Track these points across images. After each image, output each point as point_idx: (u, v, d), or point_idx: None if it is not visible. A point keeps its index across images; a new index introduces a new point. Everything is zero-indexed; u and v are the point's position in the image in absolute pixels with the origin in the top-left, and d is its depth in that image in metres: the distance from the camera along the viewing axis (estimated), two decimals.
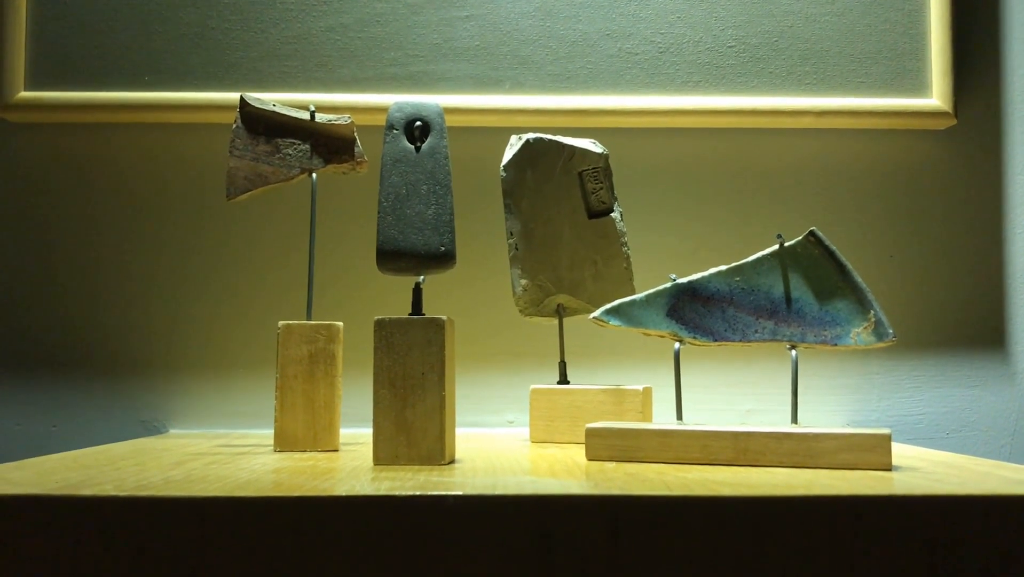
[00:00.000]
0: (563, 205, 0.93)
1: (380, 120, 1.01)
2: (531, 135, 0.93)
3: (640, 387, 0.89)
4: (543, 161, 0.93)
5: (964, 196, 1.13)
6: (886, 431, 0.68)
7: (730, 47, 1.13)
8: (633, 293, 0.89)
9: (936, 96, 1.11)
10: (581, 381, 0.96)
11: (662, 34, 1.13)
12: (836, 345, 0.75)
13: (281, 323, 0.82)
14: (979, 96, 1.14)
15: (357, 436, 0.94)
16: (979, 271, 1.13)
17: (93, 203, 1.11)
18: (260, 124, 0.87)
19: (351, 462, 0.72)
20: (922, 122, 1.12)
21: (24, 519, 0.54)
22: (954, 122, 1.12)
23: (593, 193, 0.93)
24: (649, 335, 0.80)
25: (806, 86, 1.12)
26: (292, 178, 0.87)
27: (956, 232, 1.13)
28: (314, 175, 0.87)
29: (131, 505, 0.54)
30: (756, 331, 0.77)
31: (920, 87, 1.12)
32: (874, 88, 1.12)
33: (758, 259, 0.78)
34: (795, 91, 1.12)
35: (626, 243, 0.93)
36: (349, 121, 0.88)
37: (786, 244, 0.77)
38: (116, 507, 0.54)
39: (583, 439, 0.76)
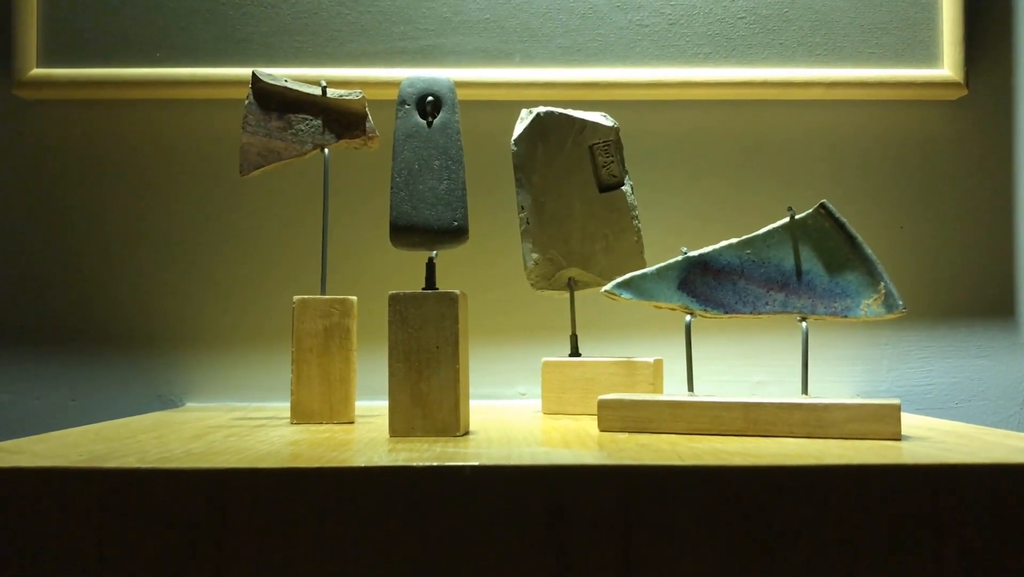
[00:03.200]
0: (574, 179, 0.93)
1: (391, 94, 1.01)
2: (542, 109, 0.94)
3: (651, 359, 0.89)
4: (554, 135, 0.93)
5: (975, 167, 1.13)
6: (895, 401, 0.69)
7: (740, 18, 1.12)
8: (644, 266, 0.89)
9: (947, 66, 1.11)
10: (592, 353, 0.97)
11: (672, 5, 1.12)
12: (846, 317, 0.75)
13: (296, 298, 0.83)
14: (990, 66, 1.14)
15: (371, 408, 0.96)
16: (989, 242, 1.13)
17: (106, 179, 1.12)
18: (272, 100, 0.87)
19: (367, 434, 0.73)
20: (933, 93, 1.11)
21: (51, 491, 0.55)
22: (965, 92, 1.11)
23: (604, 167, 0.93)
24: (660, 308, 0.80)
25: (816, 57, 1.12)
26: (305, 153, 0.88)
27: (967, 203, 1.13)
28: (326, 150, 0.88)
29: (155, 477, 0.55)
30: (767, 303, 0.77)
31: (931, 57, 1.12)
32: (885, 59, 1.12)
33: (769, 232, 0.78)
34: (805, 62, 1.12)
35: (637, 216, 0.93)
36: (360, 96, 0.88)
37: (797, 216, 0.77)
38: (140, 479, 0.55)
39: (594, 410, 0.77)
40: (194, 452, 0.62)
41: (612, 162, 0.93)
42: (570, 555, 0.55)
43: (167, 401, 1.10)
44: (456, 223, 0.76)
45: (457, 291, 0.72)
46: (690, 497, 0.55)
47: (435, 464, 0.56)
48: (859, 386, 1.12)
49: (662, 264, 0.80)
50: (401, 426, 0.72)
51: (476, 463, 0.56)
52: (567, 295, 0.96)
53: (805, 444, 0.65)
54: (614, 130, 0.93)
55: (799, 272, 0.77)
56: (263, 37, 1.11)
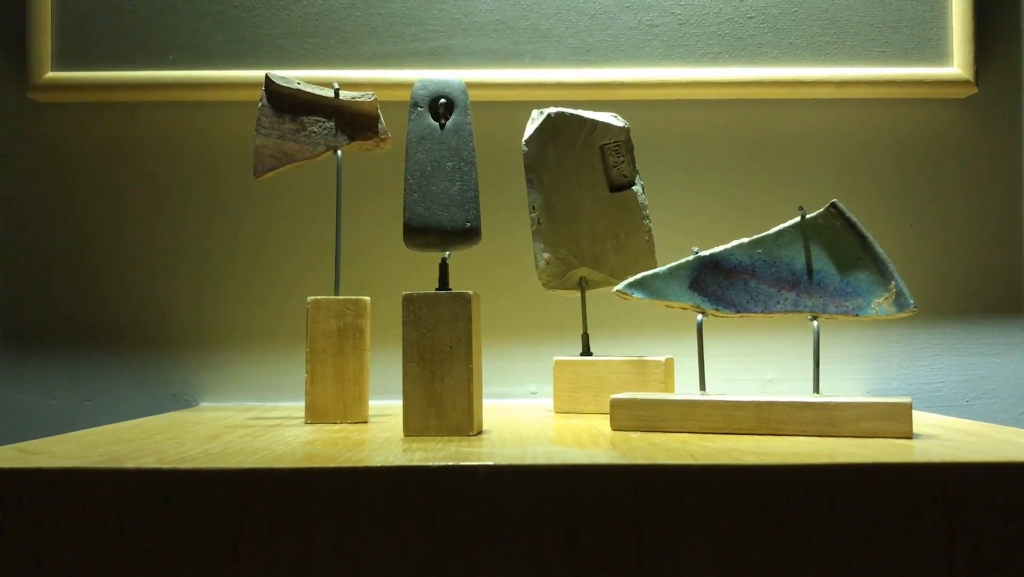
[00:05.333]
0: (585, 179, 0.94)
1: (402, 96, 1.02)
2: (552, 109, 0.94)
3: (662, 358, 0.90)
4: (564, 135, 0.94)
5: (985, 165, 1.13)
6: (907, 400, 0.69)
7: (750, 18, 1.13)
8: (655, 266, 0.90)
9: (957, 65, 1.11)
10: (604, 353, 0.97)
11: (682, 5, 1.13)
12: (857, 316, 0.75)
13: (310, 298, 0.84)
14: (1000, 64, 1.14)
15: (385, 408, 0.96)
16: (999, 240, 1.13)
17: (120, 180, 1.13)
18: (285, 102, 0.88)
19: (382, 433, 0.74)
20: (943, 91, 1.11)
21: (71, 491, 0.55)
22: (975, 91, 1.11)
23: (615, 167, 0.93)
24: (672, 307, 0.81)
25: (826, 56, 1.12)
26: (317, 155, 0.88)
27: (977, 201, 1.13)
28: (339, 152, 0.88)
29: (174, 477, 0.56)
30: (778, 302, 0.78)
31: (941, 56, 1.12)
32: (894, 57, 1.12)
33: (780, 231, 0.78)
34: (815, 61, 1.12)
35: (648, 216, 0.93)
36: (372, 98, 0.89)
37: (807, 216, 0.77)
38: (159, 479, 0.56)
39: (606, 409, 0.77)
40: (211, 452, 0.62)
41: (623, 162, 0.93)
42: (583, 554, 0.55)
43: (182, 401, 1.11)
44: (469, 224, 0.76)
45: (470, 291, 0.73)
46: (703, 496, 0.55)
47: (450, 464, 0.56)
48: (870, 384, 1.12)
49: (673, 264, 0.80)
50: (415, 426, 0.72)
51: (491, 463, 0.56)
52: (578, 294, 0.97)
53: (817, 443, 0.66)
54: (625, 130, 0.93)
55: (810, 271, 0.77)
56: (275, 39, 1.12)
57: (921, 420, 0.83)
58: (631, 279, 0.81)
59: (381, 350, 0.99)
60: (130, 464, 0.57)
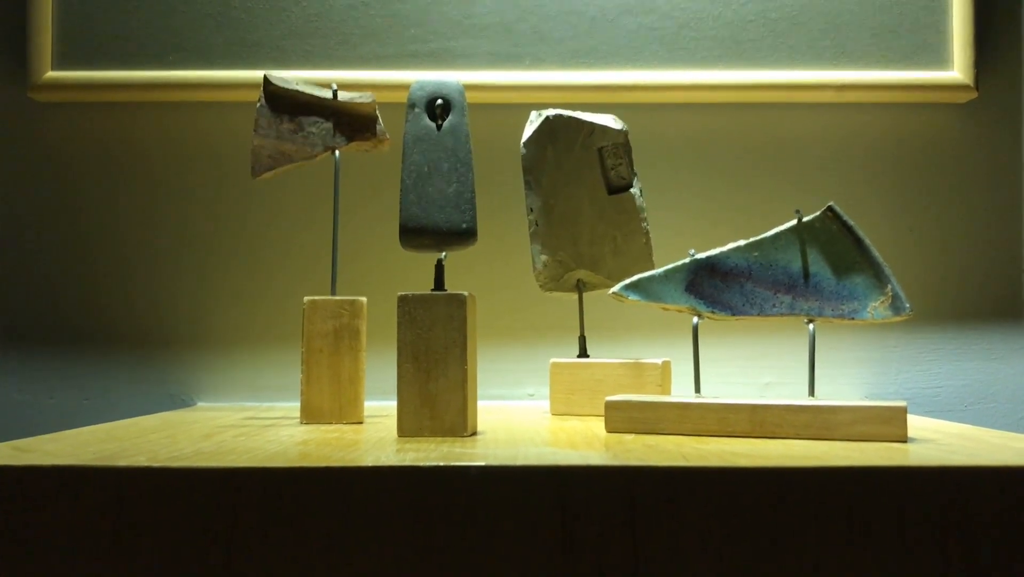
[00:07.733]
0: (583, 181, 0.94)
1: (401, 97, 1.02)
2: (551, 111, 0.94)
3: (659, 360, 0.90)
4: (563, 137, 0.94)
5: (984, 169, 1.13)
6: (902, 403, 0.69)
7: (750, 21, 1.12)
8: (652, 268, 0.90)
9: (957, 69, 1.11)
10: (600, 355, 0.97)
11: (682, 9, 1.13)
12: (853, 319, 0.75)
13: (306, 299, 0.84)
14: (1000, 69, 1.13)
15: (381, 409, 0.96)
16: (998, 244, 1.13)
17: (119, 180, 1.13)
18: (284, 103, 0.88)
19: (376, 434, 0.74)
20: (943, 95, 1.11)
21: (62, 489, 0.55)
22: (975, 95, 1.11)
23: (613, 169, 0.93)
24: (668, 310, 0.81)
25: (826, 60, 1.12)
26: (315, 156, 0.88)
27: (975, 205, 1.13)
28: (337, 153, 0.88)
29: (165, 476, 0.56)
30: (774, 305, 0.78)
31: (941, 60, 1.12)
32: (895, 61, 1.12)
33: (776, 234, 0.78)
34: (815, 65, 1.12)
35: (645, 219, 0.93)
36: (371, 99, 0.89)
37: (804, 219, 0.77)
38: (151, 478, 0.56)
39: (602, 412, 0.77)
40: (204, 451, 0.62)
41: (621, 164, 0.93)
42: (576, 555, 0.55)
43: (179, 401, 1.11)
44: (465, 225, 0.76)
45: (465, 292, 0.73)
46: (696, 498, 0.55)
47: (442, 464, 0.56)
48: (868, 388, 1.12)
49: (670, 266, 0.80)
50: (409, 426, 0.72)
51: (483, 463, 0.56)
52: (575, 296, 0.97)
53: (811, 446, 0.66)
54: (623, 133, 0.93)
55: (806, 274, 0.77)
56: (274, 40, 1.12)
57: (918, 424, 0.83)
58: (627, 281, 0.81)
59: (377, 351, 0.99)
60: (122, 462, 0.57)
